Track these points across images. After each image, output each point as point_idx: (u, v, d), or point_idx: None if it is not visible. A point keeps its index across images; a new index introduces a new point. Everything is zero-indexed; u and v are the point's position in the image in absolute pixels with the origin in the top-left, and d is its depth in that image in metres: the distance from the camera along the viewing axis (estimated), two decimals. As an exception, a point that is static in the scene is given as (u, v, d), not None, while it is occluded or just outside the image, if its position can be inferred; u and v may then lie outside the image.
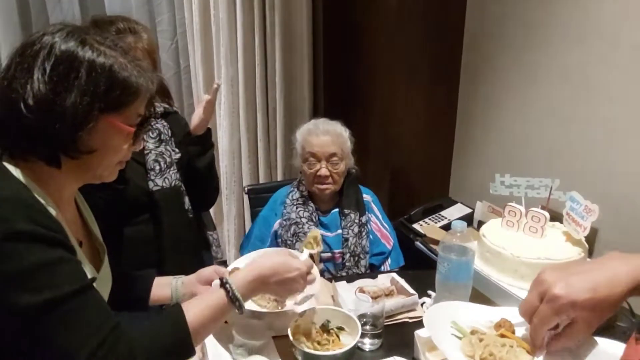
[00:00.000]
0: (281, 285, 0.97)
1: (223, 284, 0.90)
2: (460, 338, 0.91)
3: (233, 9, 2.34)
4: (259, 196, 1.98)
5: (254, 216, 1.98)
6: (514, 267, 1.15)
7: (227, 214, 2.65)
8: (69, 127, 0.77)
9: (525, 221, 1.23)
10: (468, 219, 1.97)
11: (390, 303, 1.23)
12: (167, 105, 1.54)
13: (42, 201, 0.78)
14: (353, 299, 1.27)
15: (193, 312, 0.85)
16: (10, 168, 0.79)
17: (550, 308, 0.75)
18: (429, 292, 1.36)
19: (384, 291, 1.32)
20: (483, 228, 1.27)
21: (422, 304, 1.31)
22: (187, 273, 1.15)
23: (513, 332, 0.90)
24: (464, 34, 2.23)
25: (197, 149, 1.55)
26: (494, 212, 1.81)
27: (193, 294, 1.09)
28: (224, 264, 1.25)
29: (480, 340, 0.88)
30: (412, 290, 1.30)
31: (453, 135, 2.36)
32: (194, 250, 1.50)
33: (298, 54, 2.50)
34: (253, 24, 2.37)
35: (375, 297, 1.28)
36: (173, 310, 0.86)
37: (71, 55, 0.79)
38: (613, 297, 0.72)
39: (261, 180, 2.62)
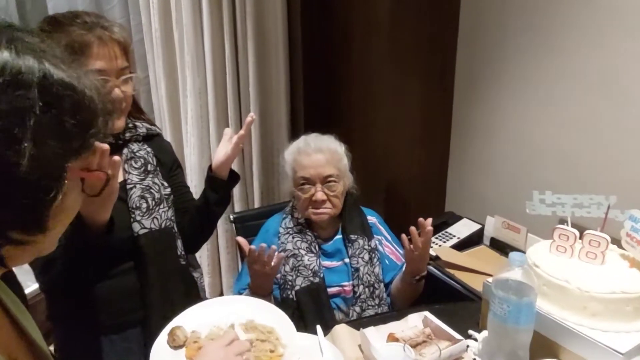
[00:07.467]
0: None
1: None
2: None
3: (198, 12, 2.07)
4: (245, 225, 1.73)
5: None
6: (582, 304, 0.98)
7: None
8: (36, 200, 0.49)
9: (581, 246, 1.08)
10: (478, 235, 1.83)
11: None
12: (150, 126, 1.25)
13: None
14: (389, 351, 1.07)
15: None
16: None
17: None
18: (470, 332, 1.18)
19: (421, 336, 1.12)
20: (532, 255, 1.10)
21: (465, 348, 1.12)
22: None
23: None
24: (459, 32, 2.08)
25: (219, 195, 1.27)
26: (510, 228, 1.66)
27: None
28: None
29: None
30: (456, 335, 1.11)
31: (448, 145, 2.20)
32: (186, 301, 1.22)
33: (273, 60, 2.25)
34: (222, 28, 2.11)
35: (414, 347, 1.08)
36: None
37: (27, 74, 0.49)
38: None
39: (236, 202, 2.35)
